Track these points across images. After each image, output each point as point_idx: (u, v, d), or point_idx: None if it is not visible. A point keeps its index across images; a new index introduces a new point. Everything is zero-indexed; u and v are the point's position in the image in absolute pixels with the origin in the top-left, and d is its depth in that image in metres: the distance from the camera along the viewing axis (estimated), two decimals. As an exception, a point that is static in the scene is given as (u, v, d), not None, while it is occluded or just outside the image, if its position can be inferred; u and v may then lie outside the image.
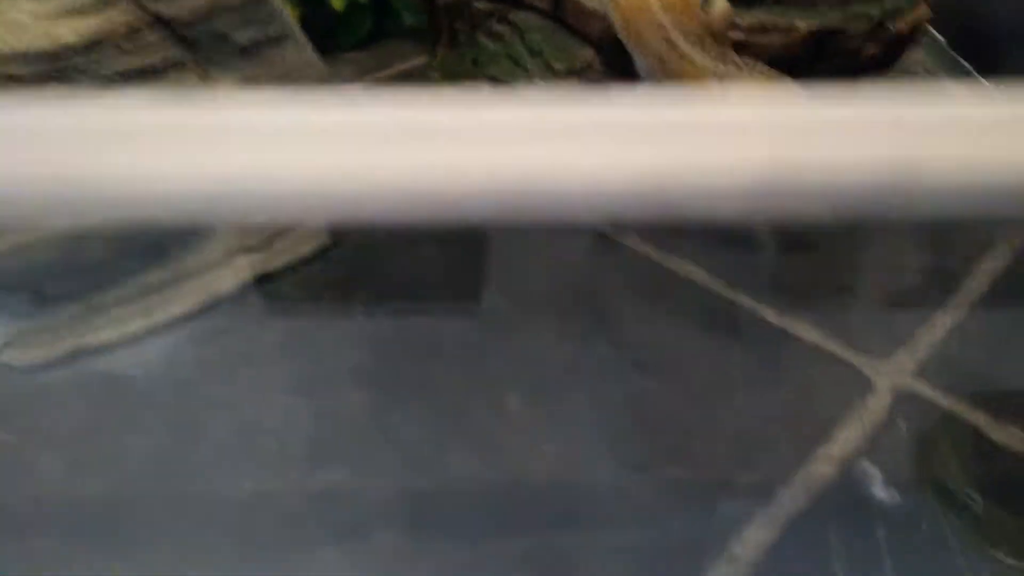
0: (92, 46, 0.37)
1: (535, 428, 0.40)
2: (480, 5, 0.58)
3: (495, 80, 0.55)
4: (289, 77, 0.44)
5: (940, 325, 0.47)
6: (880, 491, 0.39)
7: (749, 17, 0.53)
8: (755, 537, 0.36)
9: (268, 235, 0.46)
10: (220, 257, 0.44)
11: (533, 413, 0.41)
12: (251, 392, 0.41)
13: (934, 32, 0.70)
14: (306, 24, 0.50)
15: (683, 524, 0.36)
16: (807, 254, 0.52)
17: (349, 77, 0.65)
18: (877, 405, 0.42)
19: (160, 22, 0.39)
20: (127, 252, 0.41)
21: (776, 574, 0.35)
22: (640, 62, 0.49)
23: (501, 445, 0.39)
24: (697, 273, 0.49)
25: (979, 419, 0.42)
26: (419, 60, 0.66)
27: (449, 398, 0.41)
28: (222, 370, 0.42)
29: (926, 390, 0.43)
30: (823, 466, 0.39)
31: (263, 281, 0.45)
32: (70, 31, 0.37)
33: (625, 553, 0.35)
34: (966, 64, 0.71)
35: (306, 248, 0.47)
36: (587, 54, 0.54)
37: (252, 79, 0.43)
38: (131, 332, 0.41)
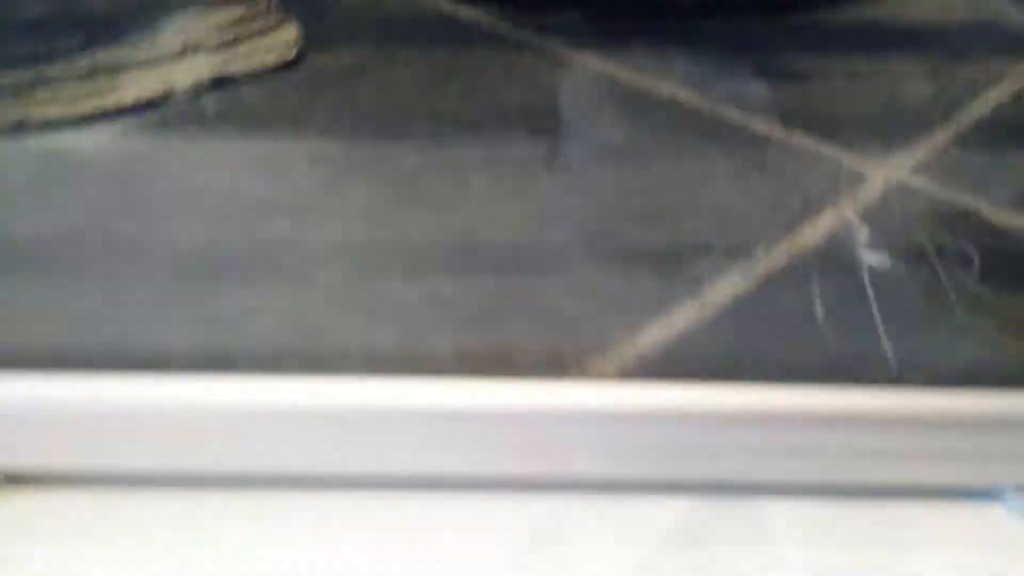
0: None
1: (500, 201, 0.38)
2: None
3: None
4: None
5: (940, 135, 0.44)
6: (870, 257, 0.36)
7: None
8: (730, 287, 0.33)
9: (231, 38, 0.44)
10: (178, 50, 0.42)
11: (498, 190, 0.38)
12: (201, 167, 0.39)
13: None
14: None
15: (652, 276, 0.34)
16: (803, 82, 0.49)
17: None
18: (870, 193, 0.40)
19: None
20: (76, 21, 0.39)
21: (750, 318, 0.32)
22: None
23: (460, 210, 0.37)
24: (686, 94, 0.47)
25: (980, 205, 0.39)
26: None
27: (409, 175, 0.39)
28: (173, 150, 0.40)
29: (923, 183, 0.40)
30: (808, 234, 0.36)
31: (222, 82, 0.43)
32: None
33: (590, 294, 0.33)
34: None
35: (269, 58, 0.45)
36: None
37: None
38: (79, 112, 0.40)
